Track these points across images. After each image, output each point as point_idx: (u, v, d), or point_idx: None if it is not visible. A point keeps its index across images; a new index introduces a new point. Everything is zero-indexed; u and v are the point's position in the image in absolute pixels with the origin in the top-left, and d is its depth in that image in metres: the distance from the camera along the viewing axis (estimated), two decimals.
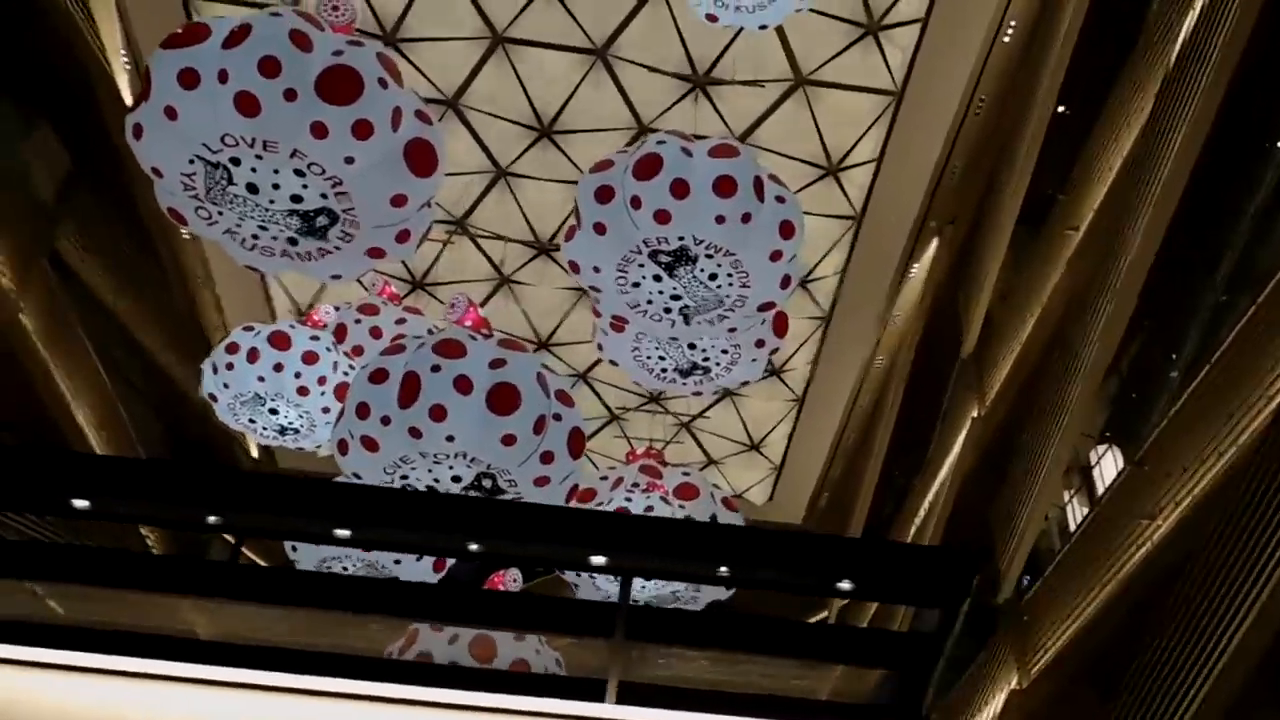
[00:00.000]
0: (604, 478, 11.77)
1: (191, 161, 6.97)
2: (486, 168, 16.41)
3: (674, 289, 9.35)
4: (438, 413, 7.62)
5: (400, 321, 11.34)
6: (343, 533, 3.11)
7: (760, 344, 10.69)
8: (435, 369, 7.83)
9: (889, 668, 3.20)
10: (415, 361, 7.87)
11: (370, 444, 7.89)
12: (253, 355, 10.62)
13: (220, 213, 7.47)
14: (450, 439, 7.65)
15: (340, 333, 11.17)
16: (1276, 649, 6.95)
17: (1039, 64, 12.58)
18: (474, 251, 17.74)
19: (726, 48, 14.13)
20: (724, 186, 8.73)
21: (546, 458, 8.07)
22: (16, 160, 15.63)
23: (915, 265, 16.71)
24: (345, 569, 10.42)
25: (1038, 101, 12.42)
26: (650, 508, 11.68)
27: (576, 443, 8.17)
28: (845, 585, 3.09)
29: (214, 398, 10.80)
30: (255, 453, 22.65)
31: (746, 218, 8.84)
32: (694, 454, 21.93)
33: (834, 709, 3.33)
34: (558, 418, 8.10)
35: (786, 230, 9.11)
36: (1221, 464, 7.81)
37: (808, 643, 3.43)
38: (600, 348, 11.06)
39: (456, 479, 8.04)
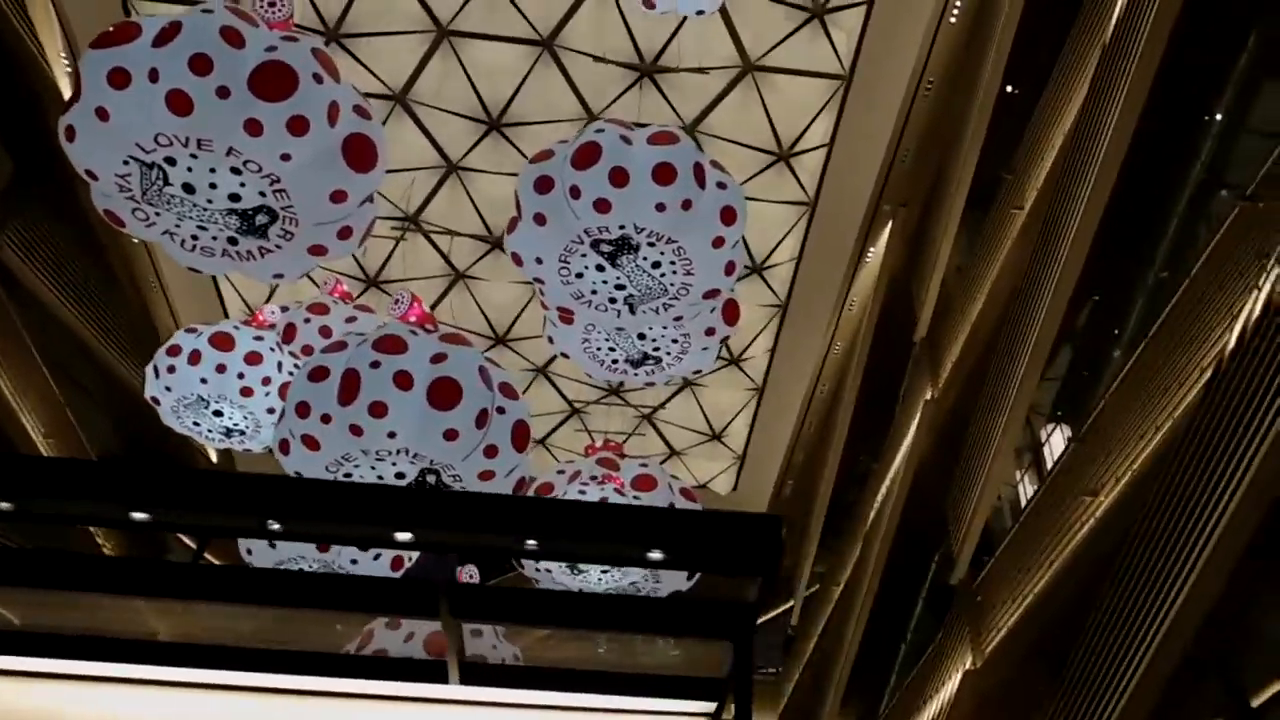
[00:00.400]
0: (561, 471, 11.71)
1: (126, 163, 6.82)
2: (437, 163, 16.25)
3: (618, 278, 9.28)
4: (378, 409, 7.52)
5: (350, 320, 11.18)
6: (140, 515, 3.03)
7: (710, 332, 10.64)
8: (375, 365, 7.73)
9: (718, 638, 3.17)
10: (355, 358, 7.76)
11: (311, 443, 7.78)
12: (194, 357, 10.46)
13: (158, 214, 7.32)
14: (392, 435, 7.55)
15: (289, 332, 11.01)
16: (1212, 621, 7.00)
17: (984, 44, 12.60)
18: (427, 248, 17.59)
19: (673, 36, 14.06)
20: (663, 174, 8.65)
21: (490, 451, 7.99)
22: None
23: (871, 249, 16.72)
24: (300, 569, 10.31)
25: (983, 82, 12.44)
26: (605, 499, 11.64)
27: (521, 435, 8.09)
28: (656, 555, 3.05)
29: (157, 401, 10.64)
30: (214, 456, 22.36)
31: (687, 204, 8.78)
32: (656, 446, 21.86)
33: (671, 682, 3.29)
34: (501, 411, 8.01)
35: (728, 216, 9.06)
36: (1157, 439, 7.86)
37: (636, 617, 3.38)
38: (550, 340, 10.96)
39: (400, 475, 7.95)
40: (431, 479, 8.21)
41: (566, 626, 3.23)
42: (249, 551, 9.92)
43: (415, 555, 9.56)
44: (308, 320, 11.11)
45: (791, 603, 22.89)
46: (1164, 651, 7.16)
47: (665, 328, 10.49)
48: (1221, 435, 6.75)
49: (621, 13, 13.64)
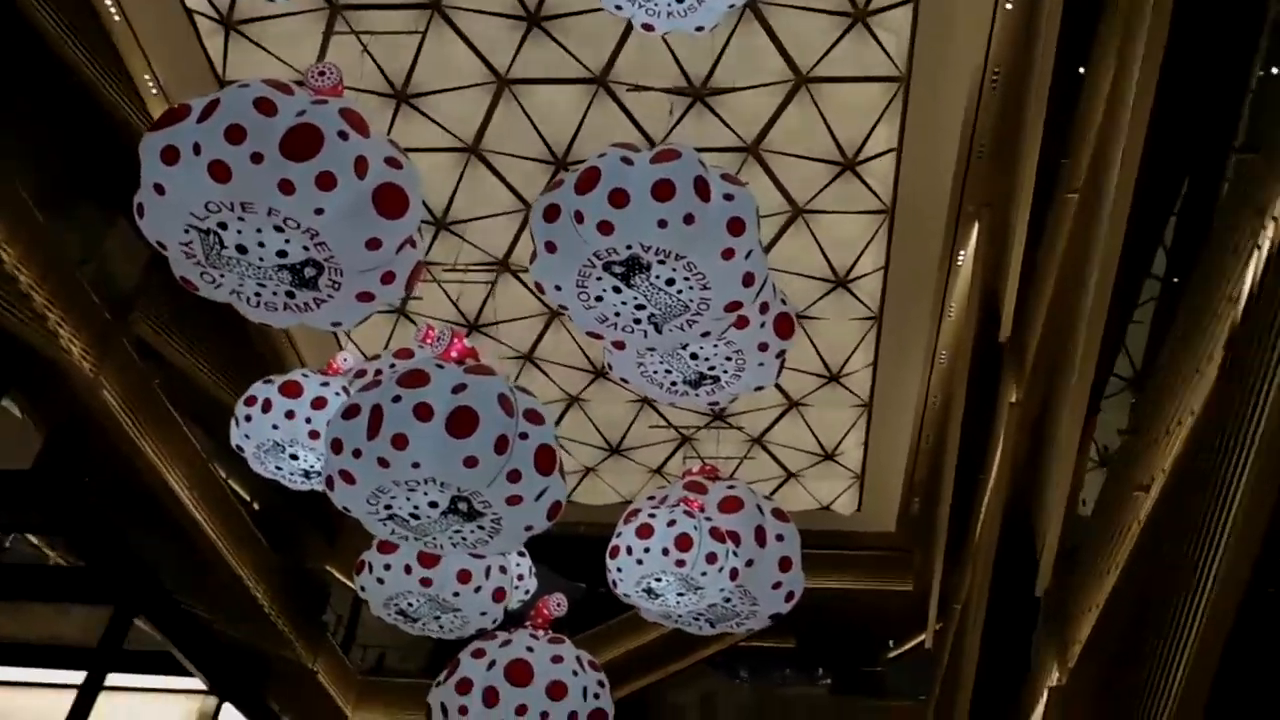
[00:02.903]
0: (651, 497, 11.84)
1: (186, 231, 7.53)
2: (516, 207, 16.86)
3: (635, 299, 9.33)
4: (400, 441, 7.84)
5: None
6: None
7: (764, 347, 10.49)
8: (396, 399, 8.11)
9: (101, 604, 3.15)
10: (381, 394, 8.20)
11: (348, 478, 8.21)
12: (267, 405, 11.22)
13: (222, 275, 8.02)
14: (416, 466, 7.89)
15: (379, 378, 11.65)
16: (1247, 605, 6.37)
17: (1042, 26, 12.00)
18: (520, 288, 18.19)
19: (719, 58, 14.15)
20: (662, 190, 8.65)
21: (513, 476, 8.18)
22: (100, 254, 17.13)
23: (961, 253, 16.08)
24: (412, 604, 10.82)
25: (1038, 65, 11.86)
26: (673, 521, 11.66)
27: (545, 459, 8.22)
28: None
29: (241, 449, 11.46)
30: None
31: (690, 219, 8.72)
32: (771, 469, 21.61)
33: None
34: (524, 436, 8.23)
35: (736, 227, 8.94)
36: (1188, 424, 7.22)
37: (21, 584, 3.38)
38: (610, 367, 11.16)
39: (433, 504, 8.29)
40: (463, 506, 8.51)
41: None
42: (362, 589, 10.48)
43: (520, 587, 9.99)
44: (393, 365, 11.73)
45: (929, 630, 21.93)
46: (1207, 640, 6.53)
47: (716, 346, 10.49)
48: (1236, 415, 6.15)
49: (666, 42, 13.86)
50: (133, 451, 16.85)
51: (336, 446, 8.54)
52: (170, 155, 7.38)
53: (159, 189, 7.53)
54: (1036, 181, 12.27)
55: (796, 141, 15.16)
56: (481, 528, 7.98)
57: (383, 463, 8.24)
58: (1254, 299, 6.18)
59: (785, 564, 11.62)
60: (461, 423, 8.23)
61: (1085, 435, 10.11)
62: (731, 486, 12.54)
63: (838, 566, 24.00)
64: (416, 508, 8.58)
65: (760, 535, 11.47)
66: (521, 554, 10.72)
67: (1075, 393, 9.94)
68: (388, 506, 8.69)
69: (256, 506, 23.56)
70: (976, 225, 15.54)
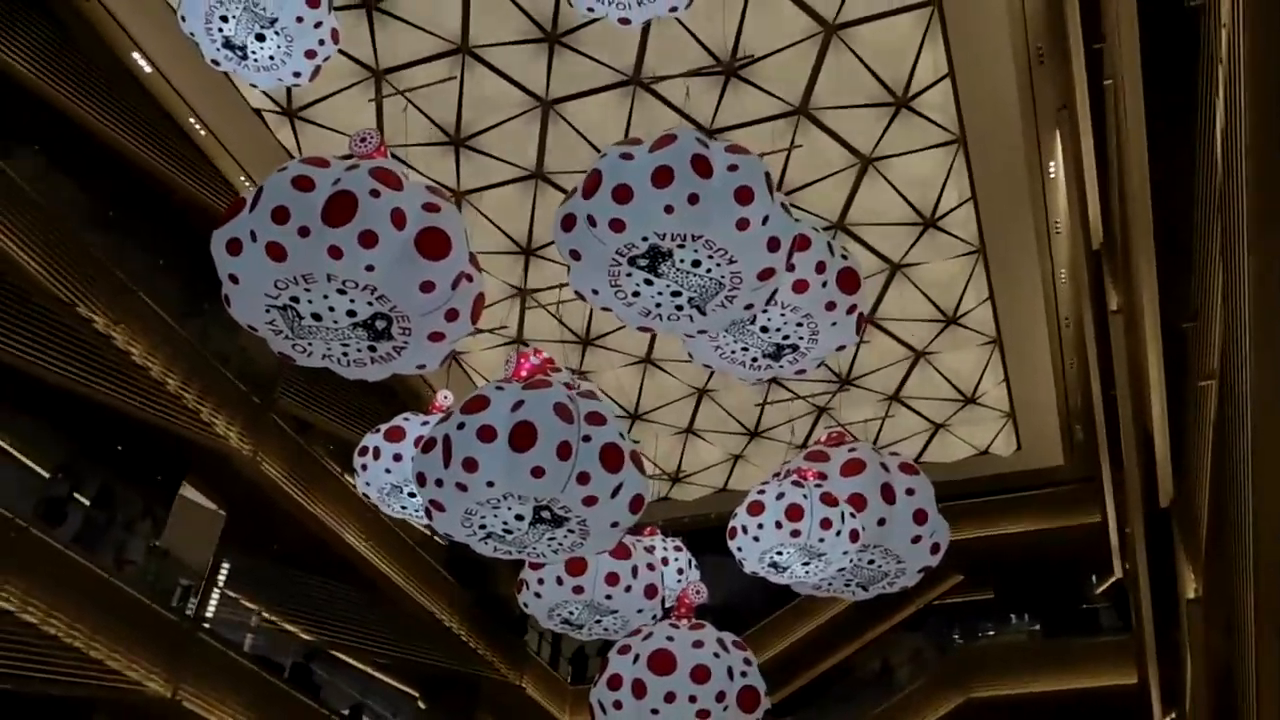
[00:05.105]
0: (777, 473, 11.92)
1: (268, 311, 8.38)
2: None
3: (669, 286, 9.47)
4: (470, 465, 8.37)
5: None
6: None
7: (832, 306, 10.40)
8: (460, 426, 8.64)
9: None
10: (449, 425, 8.77)
11: (438, 506, 8.86)
12: (376, 453, 12.05)
13: (309, 344, 8.86)
14: (490, 484, 8.39)
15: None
16: None
17: None
18: None
19: (739, 29, 14.01)
20: (661, 177, 8.80)
21: (583, 478, 8.53)
22: (238, 346, 18.83)
23: (1051, 164, 15.19)
24: (572, 612, 11.37)
25: None
26: (781, 494, 11.64)
27: (612, 457, 8.51)
28: None
29: (367, 496, 12.35)
30: None
31: (694, 199, 8.83)
32: (916, 424, 20.98)
33: None
34: (587, 439, 8.56)
35: (744, 196, 8.92)
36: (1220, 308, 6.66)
37: None
38: (691, 356, 11.34)
39: (519, 517, 8.76)
40: (547, 514, 8.93)
41: None
42: (525, 605, 11.11)
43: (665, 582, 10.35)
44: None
45: (1115, 560, 20.61)
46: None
47: (783, 315, 10.46)
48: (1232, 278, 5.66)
49: (685, 27, 13.87)
50: (304, 515, 18.42)
51: (421, 480, 9.18)
52: (234, 247, 8.19)
53: (234, 279, 8.34)
54: (1088, 74, 11.53)
55: (843, 93, 14.78)
56: (571, 531, 8.35)
57: (461, 487, 8.76)
58: (1228, 159, 5.73)
59: (920, 517, 11.32)
60: (522, 437, 8.64)
61: (1166, 326, 9.42)
62: (853, 450, 12.40)
63: (1014, 509, 23.02)
64: (506, 523, 9.05)
65: (888, 493, 11.26)
66: (679, 548, 10.96)
67: (1144, 283, 9.30)
68: (482, 526, 9.20)
69: (445, 544, 25.05)
70: (1058, 132, 14.67)
